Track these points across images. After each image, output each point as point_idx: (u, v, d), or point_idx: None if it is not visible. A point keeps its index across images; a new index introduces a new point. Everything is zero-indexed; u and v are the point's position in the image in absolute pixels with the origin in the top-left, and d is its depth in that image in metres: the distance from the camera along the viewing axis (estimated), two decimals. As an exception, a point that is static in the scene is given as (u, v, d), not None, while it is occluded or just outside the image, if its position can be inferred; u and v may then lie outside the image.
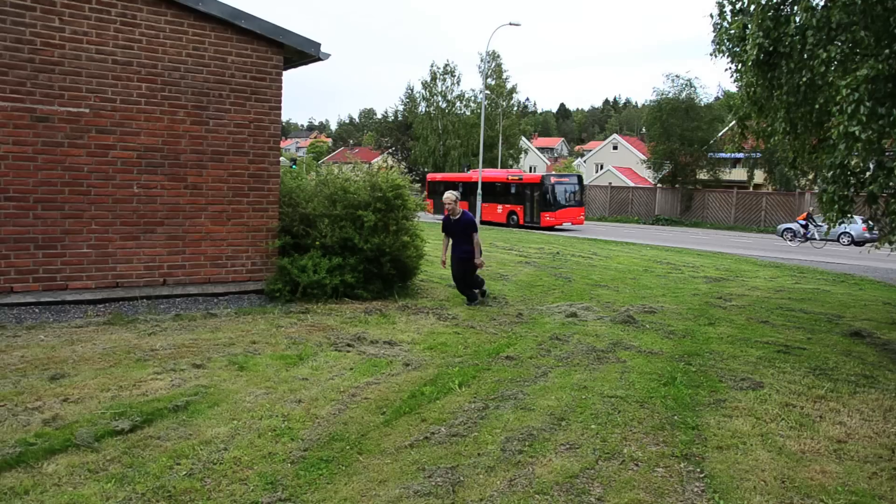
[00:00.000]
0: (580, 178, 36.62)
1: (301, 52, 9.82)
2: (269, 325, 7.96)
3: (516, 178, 35.98)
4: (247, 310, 8.75)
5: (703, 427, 5.07)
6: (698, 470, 4.32)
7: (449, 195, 9.91)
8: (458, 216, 9.94)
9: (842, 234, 28.83)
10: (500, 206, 36.16)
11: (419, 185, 11.46)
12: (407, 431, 4.84)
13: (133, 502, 3.65)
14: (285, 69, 9.81)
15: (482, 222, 35.84)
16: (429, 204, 40.83)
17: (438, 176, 41.92)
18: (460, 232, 9.95)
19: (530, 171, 48.38)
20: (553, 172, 41.53)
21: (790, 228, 30.56)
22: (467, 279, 10.10)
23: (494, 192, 36.42)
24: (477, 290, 10.29)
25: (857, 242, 28.16)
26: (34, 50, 7.98)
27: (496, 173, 38.82)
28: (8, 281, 7.98)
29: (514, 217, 34.99)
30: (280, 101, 9.63)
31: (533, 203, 34.01)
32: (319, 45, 9.82)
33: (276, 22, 9.38)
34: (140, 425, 4.66)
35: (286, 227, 9.67)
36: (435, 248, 14.01)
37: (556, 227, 33.40)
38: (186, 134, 8.94)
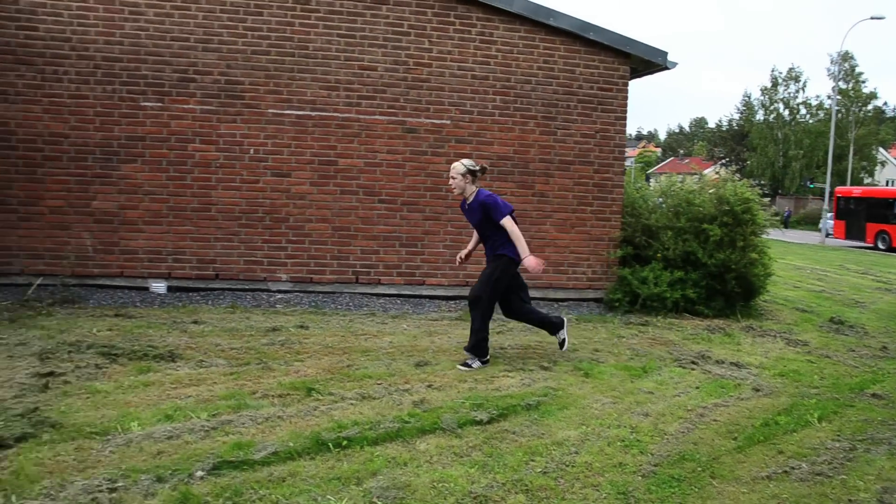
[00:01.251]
0: None
1: (647, 62, 9.67)
2: (609, 335, 7.91)
3: None
4: (587, 317, 8.80)
5: None
6: None
7: (455, 166, 6.25)
8: (471, 198, 6.27)
9: None
10: None
11: (767, 198, 10.54)
12: (762, 461, 4.43)
13: (494, 490, 3.79)
14: (630, 78, 9.72)
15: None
16: (835, 226, 34.75)
17: (856, 191, 34.79)
18: (481, 223, 6.25)
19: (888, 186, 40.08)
20: None
21: None
22: (512, 307, 6.54)
23: None
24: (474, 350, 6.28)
25: None
26: (407, 70, 8.90)
27: None
28: (377, 274, 8.98)
29: None
30: (625, 111, 9.55)
31: None
32: (666, 53, 9.57)
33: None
34: (496, 418, 4.86)
35: (627, 237, 9.57)
36: (782, 268, 12.85)
37: None
38: (535, 143, 9.29)
